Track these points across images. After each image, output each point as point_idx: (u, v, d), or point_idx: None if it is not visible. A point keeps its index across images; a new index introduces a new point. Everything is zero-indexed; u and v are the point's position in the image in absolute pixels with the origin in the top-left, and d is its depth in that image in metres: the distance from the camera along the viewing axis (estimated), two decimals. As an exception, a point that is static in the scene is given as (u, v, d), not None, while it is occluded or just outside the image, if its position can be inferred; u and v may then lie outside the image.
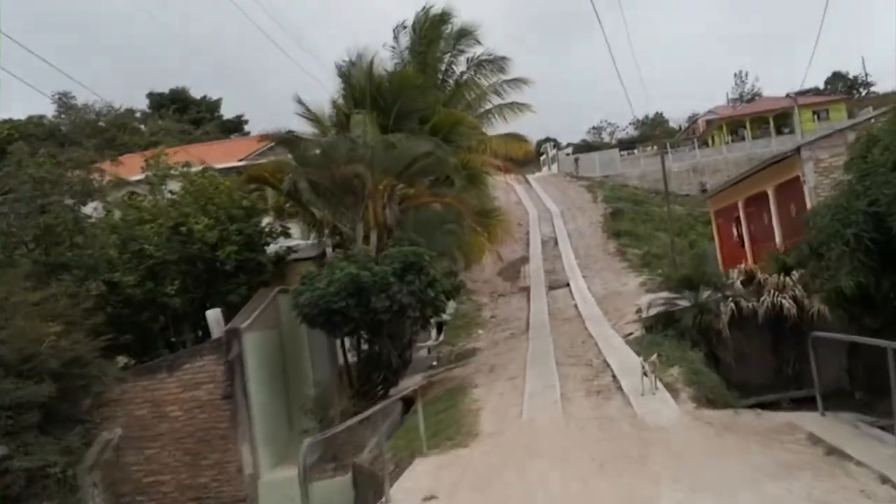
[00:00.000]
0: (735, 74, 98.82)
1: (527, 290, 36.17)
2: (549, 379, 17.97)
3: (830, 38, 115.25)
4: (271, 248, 22.27)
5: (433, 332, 31.50)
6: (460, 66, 34.80)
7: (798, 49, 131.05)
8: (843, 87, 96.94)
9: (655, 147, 79.97)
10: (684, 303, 22.91)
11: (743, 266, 23.84)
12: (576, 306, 30.72)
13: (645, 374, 15.30)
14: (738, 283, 23.25)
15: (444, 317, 33.25)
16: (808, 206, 23.28)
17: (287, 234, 23.09)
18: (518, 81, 35.12)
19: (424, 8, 33.65)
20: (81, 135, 35.75)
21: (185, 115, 58.89)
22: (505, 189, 57.73)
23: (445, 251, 20.98)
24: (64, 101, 42.96)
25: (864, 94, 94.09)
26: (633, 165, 72.50)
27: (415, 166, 20.15)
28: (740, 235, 30.15)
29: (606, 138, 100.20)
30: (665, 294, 24.55)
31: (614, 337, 23.27)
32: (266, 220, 22.59)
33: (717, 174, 66.63)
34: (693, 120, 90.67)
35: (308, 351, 21.98)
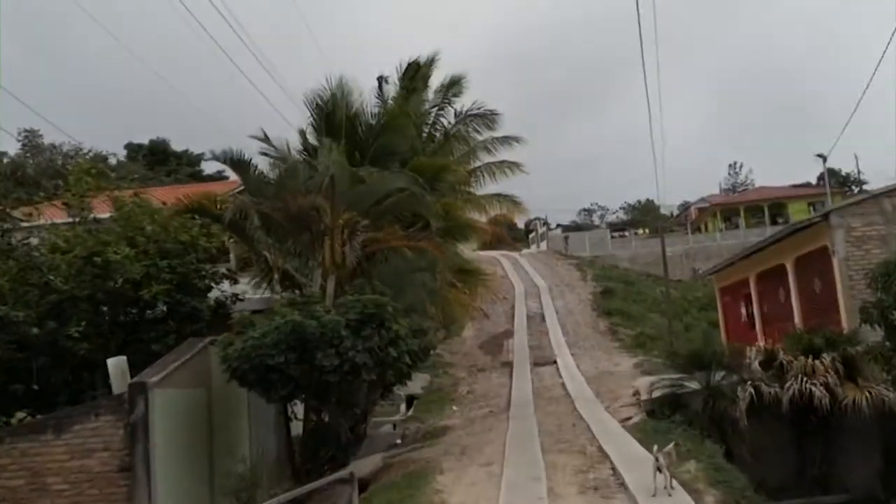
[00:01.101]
0: (729, 165, 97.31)
1: (509, 365, 32.45)
2: (532, 468, 14.26)
3: (824, 136, 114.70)
4: (214, 294, 18.64)
5: (402, 406, 27.65)
6: (448, 118, 31.86)
7: (791, 144, 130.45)
8: (835, 184, 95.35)
9: (647, 230, 77.60)
10: (693, 385, 19.33)
11: (762, 345, 20.36)
12: (563, 385, 27.02)
13: (658, 468, 11.61)
14: (755, 365, 19.65)
15: (416, 390, 29.52)
16: (839, 281, 19.96)
17: (233, 279, 19.48)
18: (510, 139, 32.19)
19: (410, 59, 30.89)
20: (43, 175, 32.16)
21: (164, 166, 55.74)
22: (491, 262, 54.51)
23: (416, 306, 17.45)
24: (30, 140, 39.85)
25: (856, 191, 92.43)
26: (623, 247, 69.76)
27: (385, 203, 16.77)
28: (750, 315, 26.77)
29: (597, 221, 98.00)
30: (670, 374, 20.91)
31: (610, 421, 19.58)
32: (220, 266, 18.96)
33: (709, 260, 63.84)
34: (685, 207, 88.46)
35: (247, 418, 18.15)
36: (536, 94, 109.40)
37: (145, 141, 60.38)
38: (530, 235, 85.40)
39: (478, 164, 31.90)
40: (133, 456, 13.49)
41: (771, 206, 74.49)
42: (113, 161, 48.38)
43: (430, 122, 31.47)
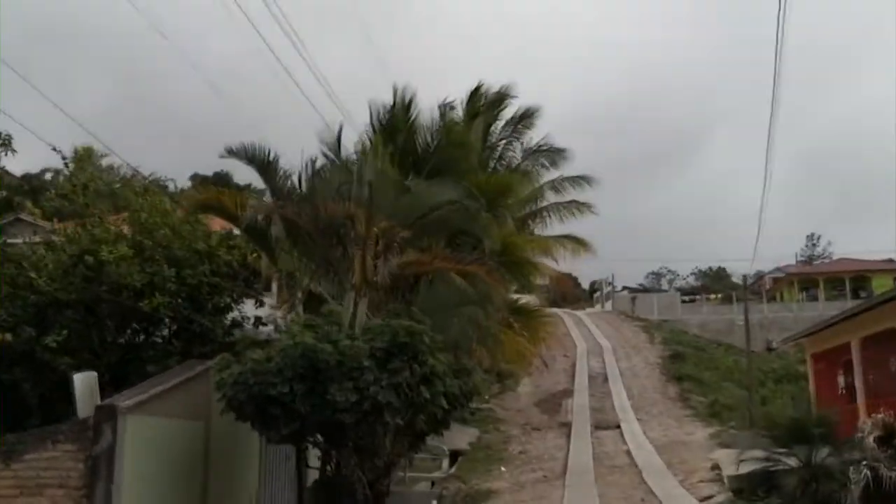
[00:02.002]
0: (807, 237, 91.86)
1: (568, 426, 28.91)
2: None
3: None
4: (233, 316, 15.95)
5: (444, 463, 24.40)
6: (515, 153, 29.02)
7: (870, 217, 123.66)
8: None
9: (718, 297, 73.08)
10: (790, 462, 15.73)
11: (881, 417, 16.58)
12: (629, 452, 23.47)
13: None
14: (868, 441, 15.91)
15: (462, 445, 26.25)
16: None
17: (259, 301, 16.78)
18: (581, 180, 29.19)
19: (479, 87, 28.13)
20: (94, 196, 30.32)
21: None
22: (552, 320, 51.01)
23: (461, 343, 14.38)
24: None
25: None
26: (693, 312, 65.24)
27: (431, 216, 13.88)
28: (850, 386, 22.85)
29: (665, 285, 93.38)
30: (754, 447, 17.26)
31: (687, 498, 16.17)
32: (241, 285, 16.23)
33: (784, 332, 59.11)
34: (759, 276, 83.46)
35: (258, 463, 15.23)
36: (608, 160, 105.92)
37: (210, 173, 59.04)
38: (595, 295, 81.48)
39: (544, 203, 29.01)
40: (93, 498, 10.64)
41: (853, 279, 69.29)
42: (171, 187, 46.99)
43: (497, 155, 28.70)
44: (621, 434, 26.80)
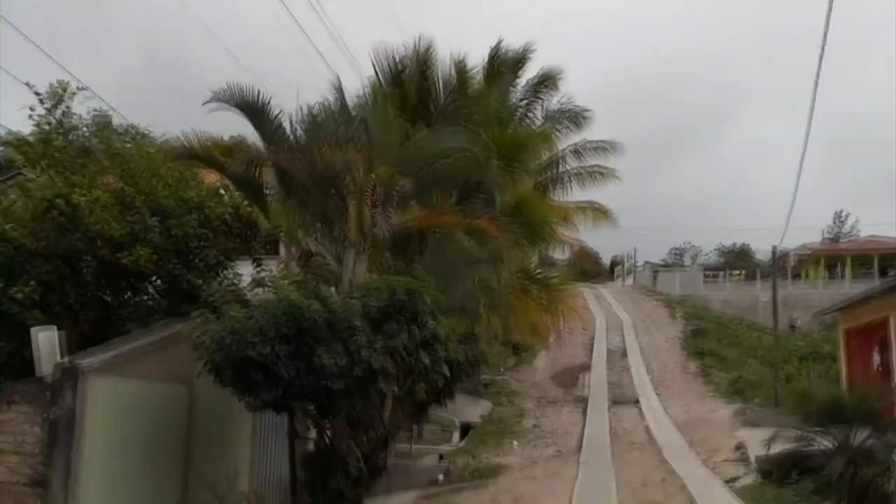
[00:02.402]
0: (835, 213, 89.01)
1: (584, 401, 27.62)
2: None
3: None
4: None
5: (455, 435, 23.25)
6: (536, 116, 27.38)
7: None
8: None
9: (742, 274, 71.17)
10: (825, 443, 14.33)
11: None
12: (647, 429, 22.16)
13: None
14: (915, 424, 14.46)
15: (474, 418, 25.09)
16: None
17: (257, 260, 15.48)
18: (604, 144, 27.54)
19: (499, 44, 26.41)
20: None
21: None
22: (573, 291, 49.53)
23: (468, 307, 13.08)
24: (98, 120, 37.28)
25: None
26: (716, 289, 63.50)
27: (437, 165, 12.49)
28: (887, 363, 21.33)
29: (688, 261, 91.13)
30: (784, 426, 15.83)
31: (711, 480, 14.80)
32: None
33: (809, 310, 57.37)
34: (784, 253, 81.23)
35: (251, 432, 14.07)
36: (631, 136, 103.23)
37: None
38: (615, 270, 79.73)
39: (564, 168, 27.44)
40: (51, 466, 9.50)
41: (881, 258, 67.05)
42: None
43: (517, 117, 27.11)
44: (640, 410, 25.49)
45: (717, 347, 38.98)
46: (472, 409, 25.84)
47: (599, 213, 26.15)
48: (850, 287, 61.72)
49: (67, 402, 9.54)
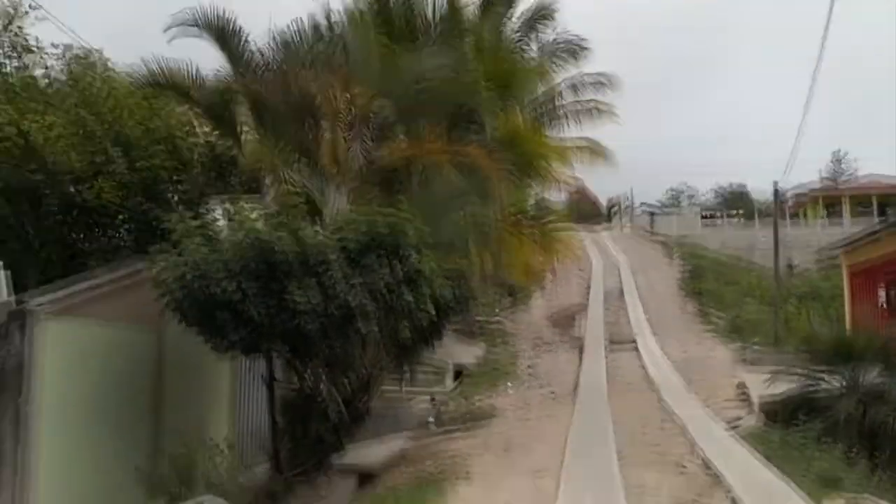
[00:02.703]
0: (832, 153, 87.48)
1: (580, 342, 26.94)
2: (604, 490, 8.99)
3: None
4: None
5: (448, 379, 22.60)
6: (530, 52, 26.05)
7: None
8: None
9: (741, 214, 70.33)
10: (833, 383, 13.64)
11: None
12: (645, 369, 21.48)
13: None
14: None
15: (468, 360, 24.43)
16: None
17: (235, 199, 14.45)
18: (601, 79, 26.26)
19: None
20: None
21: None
22: (569, 231, 48.60)
23: (457, 243, 12.20)
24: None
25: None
26: (714, 231, 62.59)
27: (422, 88, 11.46)
28: (891, 301, 20.61)
29: (684, 202, 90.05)
30: (797, 368, 15.09)
31: (712, 422, 14.09)
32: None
33: (806, 251, 56.65)
34: (782, 195, 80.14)
35: (230, 376, 13.31)
36: (630, 74, 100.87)
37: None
38: (612, 211, 78.77)
39: (560, 103, 26.27)
40: None
41: (880, 198, 66.00)
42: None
43: (510, 50, 25.83)
44: (637, 350, 24.80)
45: (714, 287, 38.29)
46: (465, 352, 25.16)
47: (596, 152, 25.05)
48: (849, 227, 61.05)
49: (15, 346, 8.69)
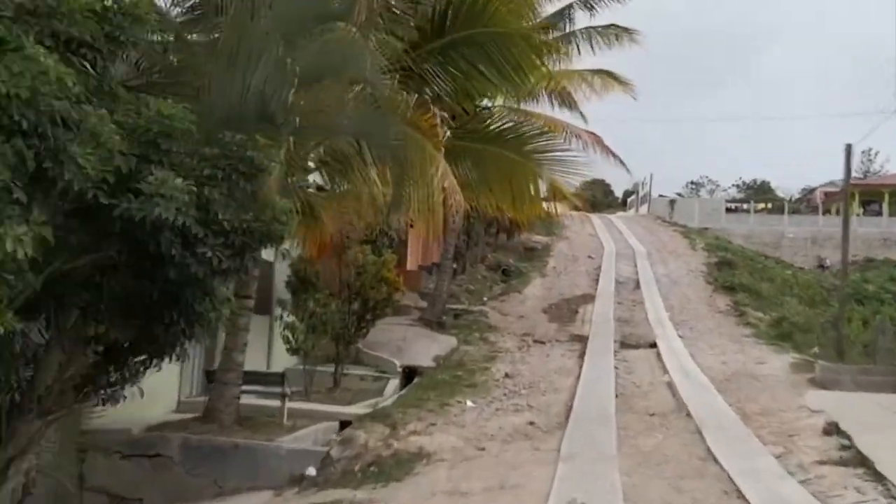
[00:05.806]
0: (863, 152, 79.71)
1: (582, 341, 19.75)
2: None
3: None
4: None
5: (391, 385, 15.65)
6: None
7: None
8: None
9: (769, 205, 62.87)
10: None
11: None
12: (671, 387, 14.28)
13: None
14: None
15: (425, 361, 17.31)
16: None
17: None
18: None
19: None
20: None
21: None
22: (580, 219, 41.29)
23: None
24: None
25: None
26: (739, 222, 55.00)
27: None
28: None
29: (705, 195, 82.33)
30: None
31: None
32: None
33: (839, 249, 49.03)
34: (810, 190, 72.42)
35: None
36: (653, 67, 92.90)
37: None
38: (629, 200, 71.21)
39: (572, 28, 19.31)
40: None
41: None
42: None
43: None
44: (658, 356, 17.58)
45: (749, 282, 30.80)
46: (427, 348, 18.11)
47: (613, 79, 17.96)
48: (888, 224, 53.36)
49: None
